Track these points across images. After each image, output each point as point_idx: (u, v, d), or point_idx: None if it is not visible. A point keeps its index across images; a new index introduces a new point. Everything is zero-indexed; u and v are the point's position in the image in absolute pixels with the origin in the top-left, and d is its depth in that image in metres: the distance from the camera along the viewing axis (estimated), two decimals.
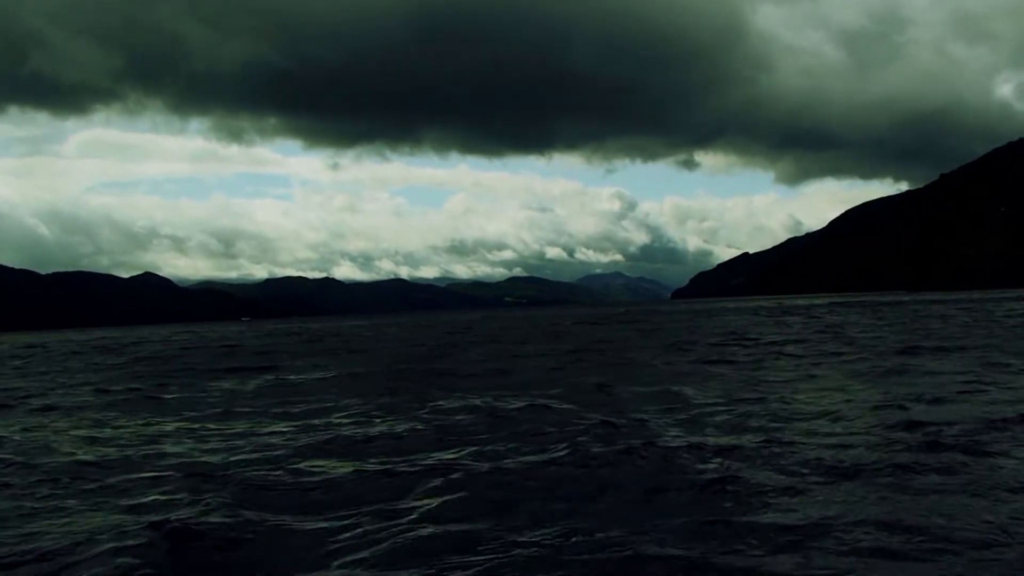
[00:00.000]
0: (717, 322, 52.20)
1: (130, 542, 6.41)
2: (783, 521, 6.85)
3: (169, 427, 13.51)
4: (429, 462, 9.16)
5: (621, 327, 51.41)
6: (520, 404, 14.06)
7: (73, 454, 10.95)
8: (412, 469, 8.85)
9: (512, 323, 74.00)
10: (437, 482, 8.23)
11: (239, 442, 11.66)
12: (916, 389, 14.71)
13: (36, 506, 8.05)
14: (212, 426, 13.49)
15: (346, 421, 13.27)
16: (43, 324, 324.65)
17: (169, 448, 11.28)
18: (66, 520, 7.41)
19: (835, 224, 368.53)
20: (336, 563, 6.10)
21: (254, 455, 10.47)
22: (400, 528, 6.81)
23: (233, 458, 10.32)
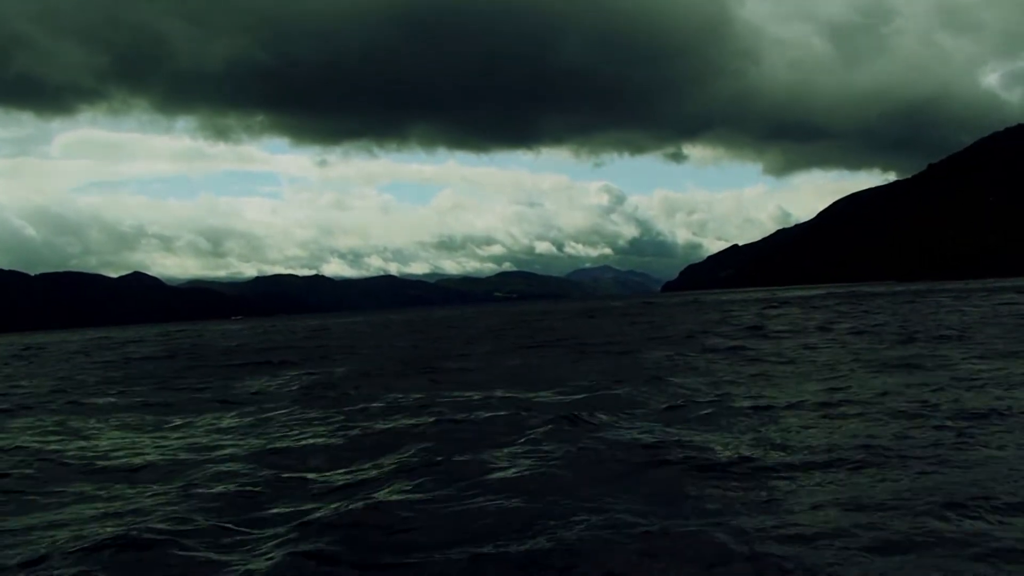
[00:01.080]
0: (714, 314, 52.68)
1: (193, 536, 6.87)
2: (805, 499, 7.45)
3: (221, 424, 13.93)
4: (480, 450, 9.64)
5: (619, 321, 51.81)
6: (544, 398, 14.50)
7: (138, 455, 11.32)
8: (468, 457, 9.32)
9: (507, 318, 74.29)
10: (492, 469, 8.70)
11: (294, 435, 12.12)
12: (924, 375, 15.25)
13: (117, 505, 8.49)
14: (261, 419, 13.97)
15: (382, 414, 13.66)
16: (33, 325, 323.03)
17: (229, 443, 11.72)
18: (145, 514, 7.83)
19: (824, 215, 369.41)
20: (411, 552, 6.56)
21: (310, 448, 10.94)
22: (468, 511, 7.35)
23: (295, 449, 10.79)
